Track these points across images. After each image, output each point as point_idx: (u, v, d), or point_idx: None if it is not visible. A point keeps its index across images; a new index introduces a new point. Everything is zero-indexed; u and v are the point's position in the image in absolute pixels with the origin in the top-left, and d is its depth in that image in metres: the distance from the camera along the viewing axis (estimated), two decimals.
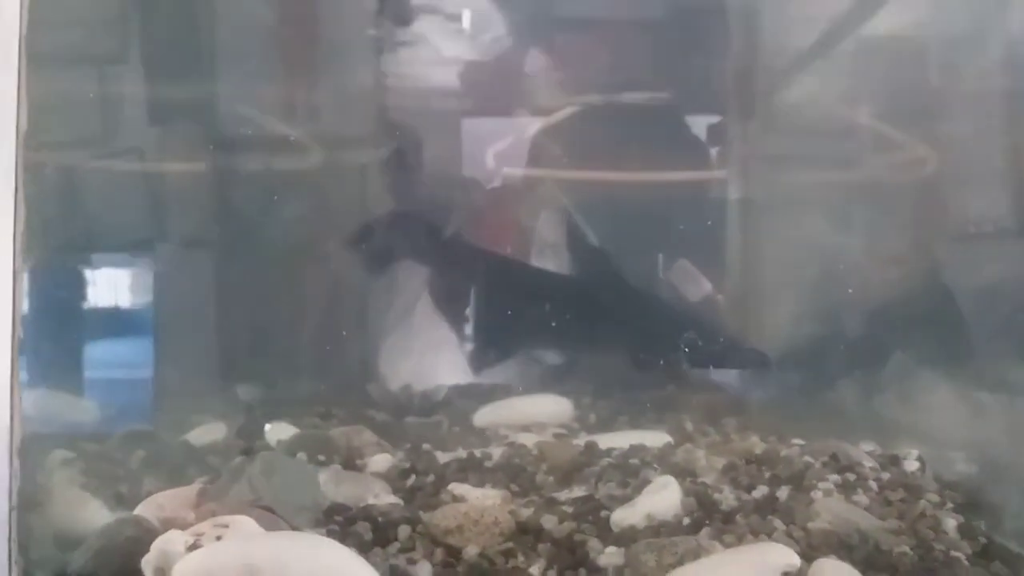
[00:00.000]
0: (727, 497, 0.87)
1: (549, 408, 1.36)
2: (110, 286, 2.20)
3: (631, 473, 0.98)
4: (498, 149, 1.96)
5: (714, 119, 1.84)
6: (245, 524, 0.73)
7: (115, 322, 2.02)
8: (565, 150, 1.90)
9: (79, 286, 1.74)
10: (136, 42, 1.64)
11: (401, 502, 0.92)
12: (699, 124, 1.89)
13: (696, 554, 0.72)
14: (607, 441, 1.12)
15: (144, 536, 0.72)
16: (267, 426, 1.13)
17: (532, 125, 1.87)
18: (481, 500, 0.88)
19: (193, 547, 0.69)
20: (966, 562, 0.73)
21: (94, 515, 0.79)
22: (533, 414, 1.32)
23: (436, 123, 1.87)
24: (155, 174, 1.67)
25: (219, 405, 1.39)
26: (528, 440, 1.16)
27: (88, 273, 1.81)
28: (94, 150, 1.63)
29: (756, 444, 1.07)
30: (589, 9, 1.76)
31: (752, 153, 1.68)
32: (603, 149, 1.88)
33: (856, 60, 1.51)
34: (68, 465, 0.94)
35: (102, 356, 1.73)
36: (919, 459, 0.99)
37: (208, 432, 1.14)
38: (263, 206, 1.64)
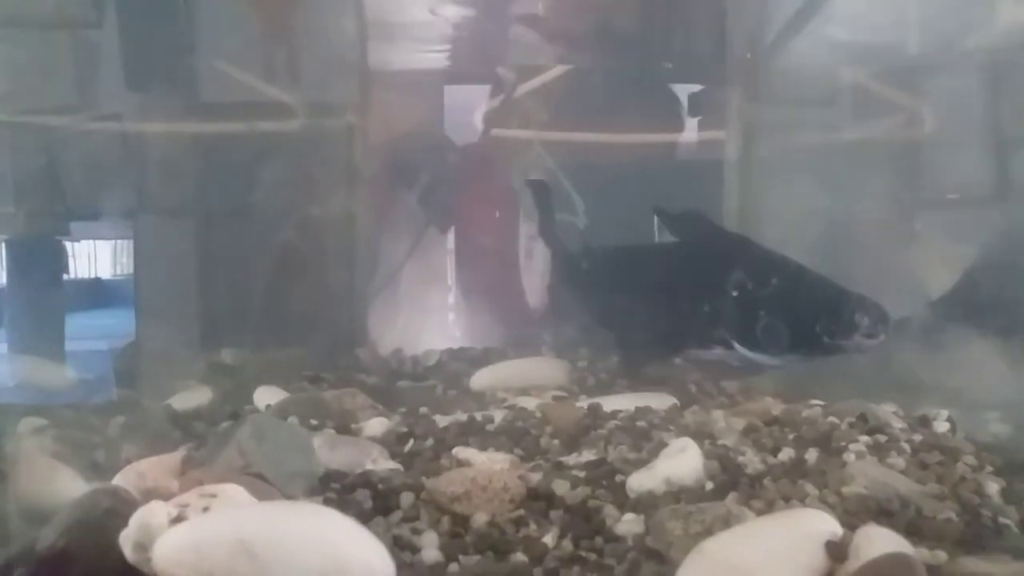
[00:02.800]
0: (752, 460, 0.81)
1: (547, 371, 1.31)
2: (88, 253, 2.13)
3: (640, 435, 0.93)
4: (484, 111, 1.91)
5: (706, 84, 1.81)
6: (234, 493, 0.66)
7: (94, 289, 1.96)
8: (552, 112, 1.85)
9: (56, 253, 1.68)
10: (111, 7, 1.58)
11: (400, 467, 0.86)
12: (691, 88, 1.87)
13: (726, 522, 0.67)
14: (610, 404, 1.07)
15: (122, 508, 0.65)
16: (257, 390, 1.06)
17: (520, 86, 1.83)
18: (488, 464, 0.82)
19: (177, 519, 0.62)
20: (1016, 528, 0.67)
21: (67, 486, 0.72)
22: (531, 377, 1.28)
23: (419, 84, 1.82)
24: (134, 139, 1.61)
25: (204, 370, 1.34)
26: (528, 403, 1.11)
27: (65, 240, 1.75)
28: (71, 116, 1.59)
29: (773, 405, 1.01)
30: None
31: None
32: (592, 112, 1.84)
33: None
34: (40, 433, 0.87)
35: (81, 323, 1.67)
36: (949, 419, 0.94)
37: (192, 397, 1.07)
38: (246, 170, 1.59)
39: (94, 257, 2.12)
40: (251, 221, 1.62)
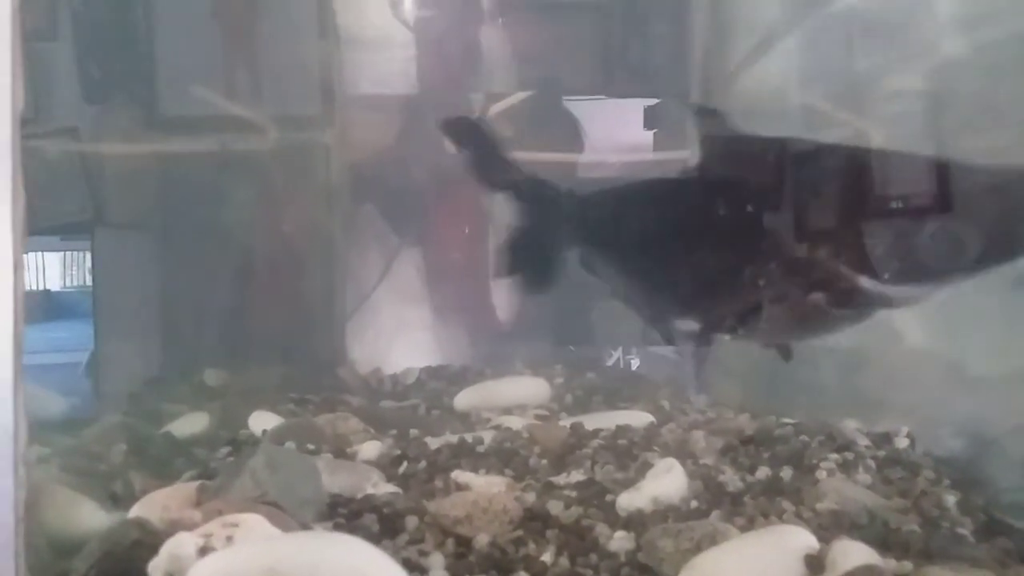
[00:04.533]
0: (732, 479, 0.87)
1: (528, 389, 1.36)
2: (59, 272, 2.11)
3: (624, 455, 0.98)
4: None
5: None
6: (255, 522, 0.70)
7: (71, 309, 1.95)
8: (516, 133, 1.90)
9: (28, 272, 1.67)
10: (67, 18, 1.58)
11: (400, 491, 0.90)
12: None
13: (713, 539, 0.73)
14: (590, 422, 1.12)
15: (149, 539, 0.69)
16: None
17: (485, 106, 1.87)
18: (486, 488, 0.87)
19: (204, 549, 0.66)
20: (971, 538, 0.75)
21: (90, 517, 0.75)
22: (513, 396, 1.32)
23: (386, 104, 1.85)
24: (93, 155, 1.61)
25: (189, 392, 1.36)
26: (514, 423, 1.16)
27: (33, 257, 1.73)
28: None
29: (746, 424, 1.08)
30: None
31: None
32: (556, 132, 1.90)
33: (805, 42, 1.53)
34: (44, 462, 0.90)
35: (56, 344, 1.67)
36: (909, 436, 1.01)
37: (190, 423, 1.10)
38: (217, 187, 1.60)
39: (65, 273, 2.11)
40: (224, 239, 1.62)
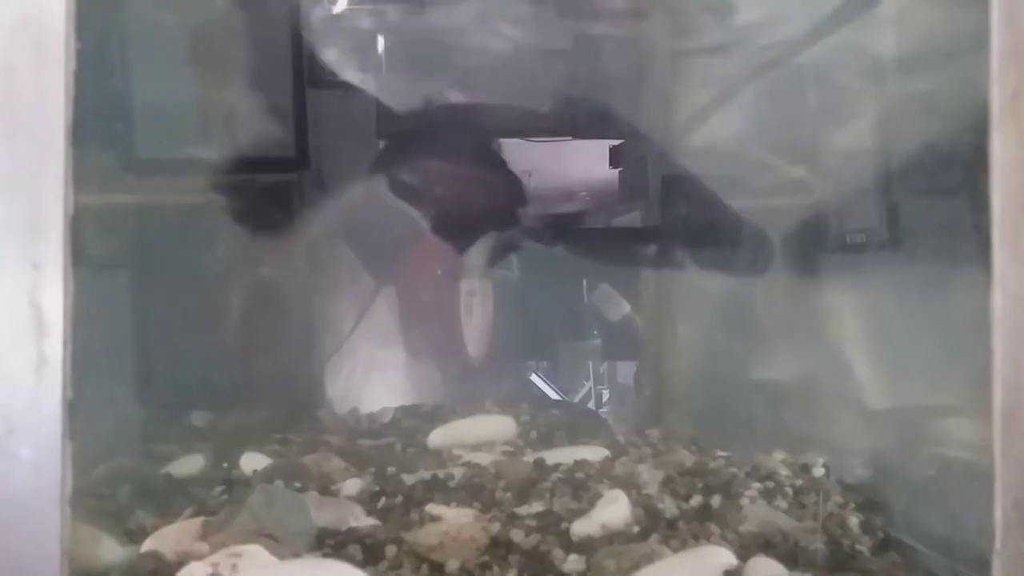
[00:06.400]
0: (669, 507, 1.00)
1: (496, 427, 1.47)
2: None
3: (580, 487, 1.10)
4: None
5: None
6: (256, 552, 0.81)
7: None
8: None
9: None
10: None
11: (379, 523, 1.02)
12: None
13: (649, 558, 0.85)
14: (552, 457, 1.24)
15: (163, 569, 0.80)
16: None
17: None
18: (457, 519, 0.99)
19: None
20: (868, 554, 0.88)
21: (109, 552, 0.85)
22: (482, 434, 1.43)
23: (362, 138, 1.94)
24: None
25: (179, 434, 1.45)
26: (483, 459, 1.27)
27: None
28: None
29: (687, 457, 1.21)
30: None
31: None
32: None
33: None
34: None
35: None
36: (825, 466, 1.15)
37: (186, 464, 1.21)
38: (192, 232, 1.68)
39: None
40: (200, 281, 1.68)
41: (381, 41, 1.85)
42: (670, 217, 1.47)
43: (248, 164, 1.68)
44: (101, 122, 1.63)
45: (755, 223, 1.24)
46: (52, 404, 0.69)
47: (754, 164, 1.71)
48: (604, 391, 2.55)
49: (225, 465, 1.23)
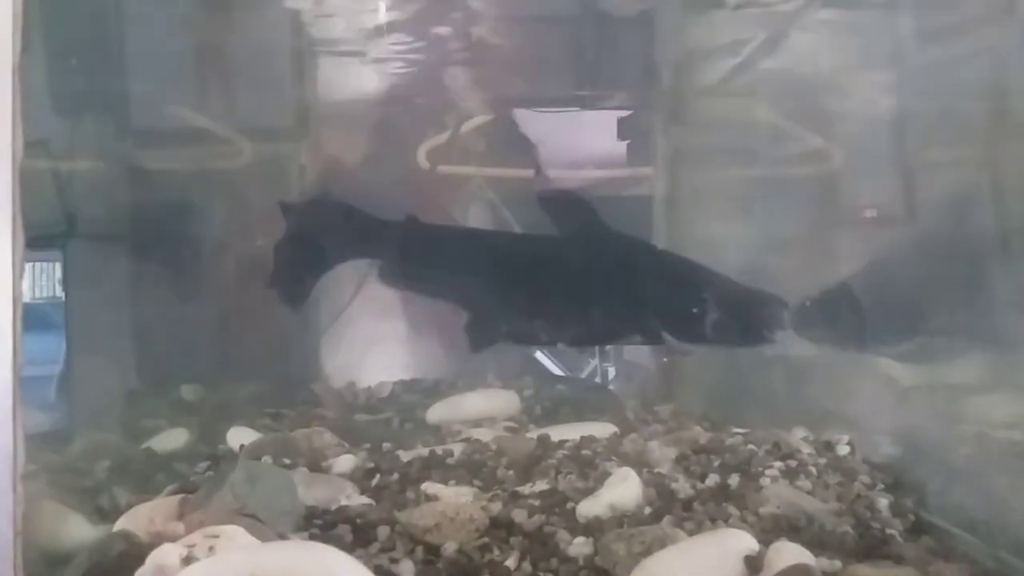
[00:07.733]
0: (683, 486, 0.93)
1: (498, 402, 1.41)
2: (28, 283, 2.12)
3: (586, 464, 1.04)
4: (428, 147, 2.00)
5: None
6: (235, 533, 0.75)
7: (40, 321, 1.96)
8: (490, 148, 1.95)
9: None
10: (38, 30, 1.59)
11: (372, 502, 0.95)
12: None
13: (662, 542, 0.78)
14: (557, 433, 1.18)
15: (134, 551, 0.73)
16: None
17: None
18: (455, 498, 0.92)
19: (187, 559, 0.71)
20: (900, 538, 0.81)
21: (77, 530, 0.79)
22: (484, 409, 1.37)
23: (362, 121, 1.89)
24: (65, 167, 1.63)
25: (168, 408, 1.39)
26: (484, 435, 1.21)
27: None
28: None
29: (701, 434, 1.14)
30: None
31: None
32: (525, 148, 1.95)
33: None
34: (32, 478, 0.94)
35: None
36: (849, 444, 1.08)
37: (170, 439, 1.14)
38: (189, 203, 1.63)
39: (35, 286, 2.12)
40: (196, 253, 1.65)
41: None
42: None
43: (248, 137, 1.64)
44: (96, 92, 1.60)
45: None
46: (2, 370, 0.62)
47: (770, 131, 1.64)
48: (610, 368, 2.50)
49: (211, 440, 1.16)
